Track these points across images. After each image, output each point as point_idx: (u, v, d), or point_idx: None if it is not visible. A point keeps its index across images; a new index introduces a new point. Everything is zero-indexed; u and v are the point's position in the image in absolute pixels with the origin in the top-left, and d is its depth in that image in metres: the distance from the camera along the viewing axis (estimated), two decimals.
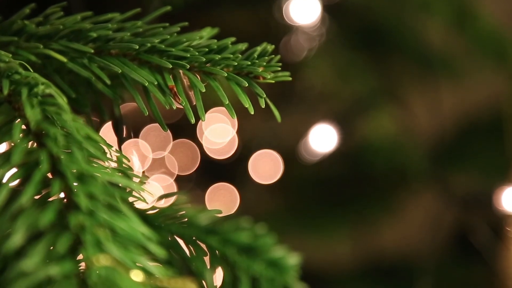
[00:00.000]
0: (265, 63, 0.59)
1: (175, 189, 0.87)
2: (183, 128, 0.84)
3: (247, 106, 0.59)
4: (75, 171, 0.45)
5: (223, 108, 0.59)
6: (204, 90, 0.57)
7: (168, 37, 0.58)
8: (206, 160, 0.80)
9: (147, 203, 0.53)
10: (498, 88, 1.26)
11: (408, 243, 1.25)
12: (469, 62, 1.19)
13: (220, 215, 0.55)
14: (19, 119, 0.48)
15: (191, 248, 0.54)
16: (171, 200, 0.55)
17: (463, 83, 1.23)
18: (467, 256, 1.25)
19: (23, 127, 0.47)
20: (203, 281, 0.53)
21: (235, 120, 0.73)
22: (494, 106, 1.24)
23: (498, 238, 1.15)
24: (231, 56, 0.58)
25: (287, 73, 0.60)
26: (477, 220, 1.16)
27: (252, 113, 0.58)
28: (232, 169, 0.78)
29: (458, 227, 1.23)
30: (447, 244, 1.25)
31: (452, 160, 1.16)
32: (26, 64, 0.52)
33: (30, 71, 0.52)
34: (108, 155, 0.50)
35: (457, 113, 1.24)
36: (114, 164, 0.51)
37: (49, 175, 0.45)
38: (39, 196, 0.45)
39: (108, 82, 0.57)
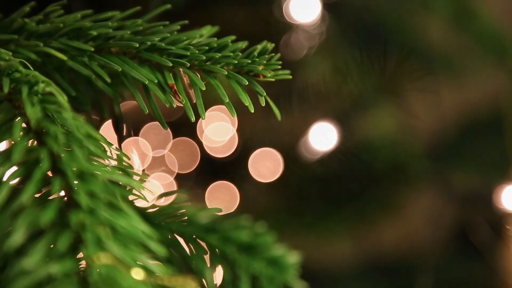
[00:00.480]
0: (265, 61, 0.59)
1: (175, 188, 0.87)
2: (183, 126, 0.84)
3: (247, 104, 0.59)
4: (75, 169, 0.45)
5: (223, 106, 0.59)
6: (204, 88, 0.57)
7: (168, 35, 0.58)
8: (206, 158, 0.80)
9: (147, 201, 0.53)
10: (498, 86, 1.26)
11: (408, 241, 1.25)
12: (469, 60, 1.19)
13: (220, 214, 0.55)
14: (19, 117, 0.48)
15: (191, 246, 0.54)
16: (171, 198, 0.55)
17: (463, 81, 1.23)
18: (467, 254, 1.25)
19: (24, 125, 0.47)
20: (203, 279, 0.53)
21: (235, 118, 0.73)
22: (494, 104, 1.24)
23: (498, 236, 1.15)
24: (231, 54, 0.58)
25: (287, 71, 0.60)
26: (477, 218, 1.16)
27: (253, 111, 0.58)
28: (232, 168, 0.78)
29: (458, 226, 1.23)
30: (447, 242, 1.25)
31: (452, 158, 1.16)
32: (26, 62, 0.52)
33: (30, 69, 0.52)
34: (108, 153, 0.50)
35: (457, 111, 1.24)
36: (114, 162, 0.51)
37: (50, 173, 0.45)
38: (39, 194, 0.45)
39: (108, 80, 0.57)
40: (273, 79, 0.59)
